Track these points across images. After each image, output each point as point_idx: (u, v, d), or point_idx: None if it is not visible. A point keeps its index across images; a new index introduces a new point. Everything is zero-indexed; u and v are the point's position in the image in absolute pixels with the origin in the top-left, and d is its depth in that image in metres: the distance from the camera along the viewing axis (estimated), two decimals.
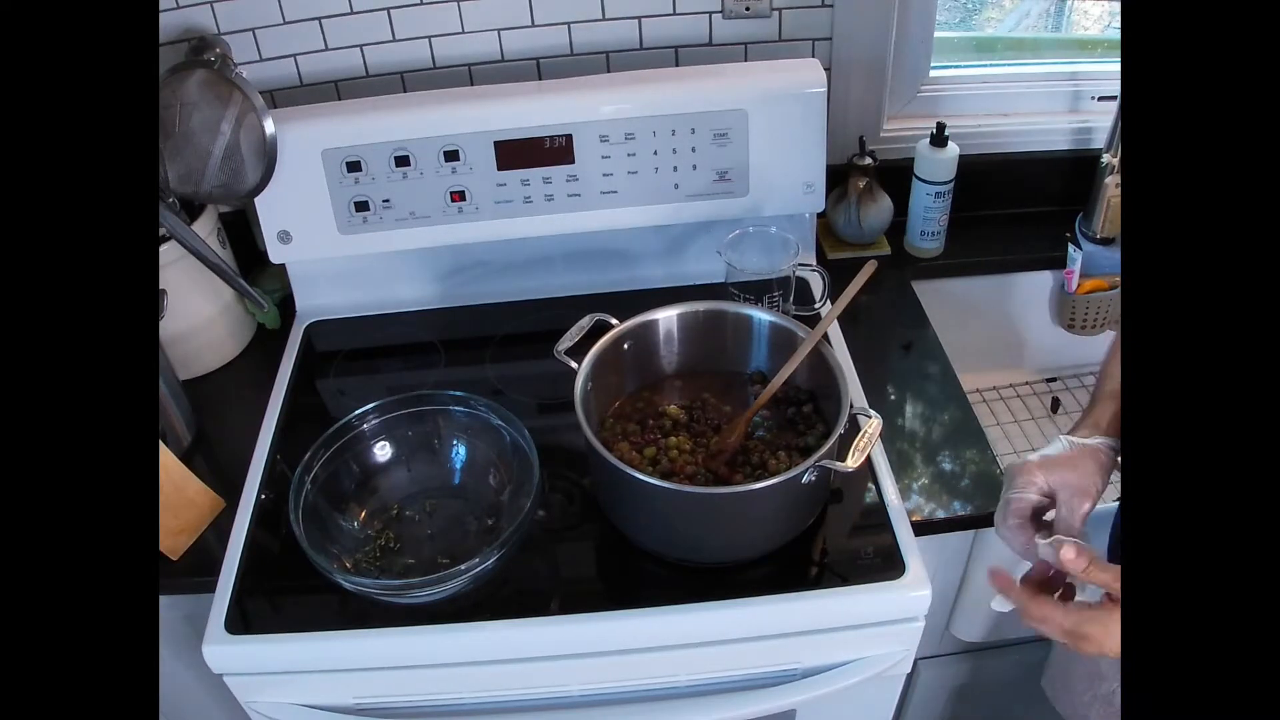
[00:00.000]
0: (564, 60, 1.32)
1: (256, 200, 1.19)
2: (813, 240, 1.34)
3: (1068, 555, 0.71)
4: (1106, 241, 1.33)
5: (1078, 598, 0.78)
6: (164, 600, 1.04)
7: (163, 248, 1.13)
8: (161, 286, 1.08)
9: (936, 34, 1.36)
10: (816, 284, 1.24)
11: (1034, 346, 1.45)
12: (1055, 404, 1.44)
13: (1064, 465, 0.81)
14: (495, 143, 1.18)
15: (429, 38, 1.29)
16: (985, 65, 1.46)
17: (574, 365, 0.97)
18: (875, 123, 1.39)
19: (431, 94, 1.20)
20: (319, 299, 1.32)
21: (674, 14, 1.28)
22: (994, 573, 0.78)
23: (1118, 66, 1.28)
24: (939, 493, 1.04)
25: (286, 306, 1.33)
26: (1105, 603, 0.72)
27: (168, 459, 1.02)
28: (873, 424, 0.89)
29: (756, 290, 1.16)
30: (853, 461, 0.87)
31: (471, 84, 1.32)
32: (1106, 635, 0.70)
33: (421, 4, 1.26)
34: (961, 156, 1.31)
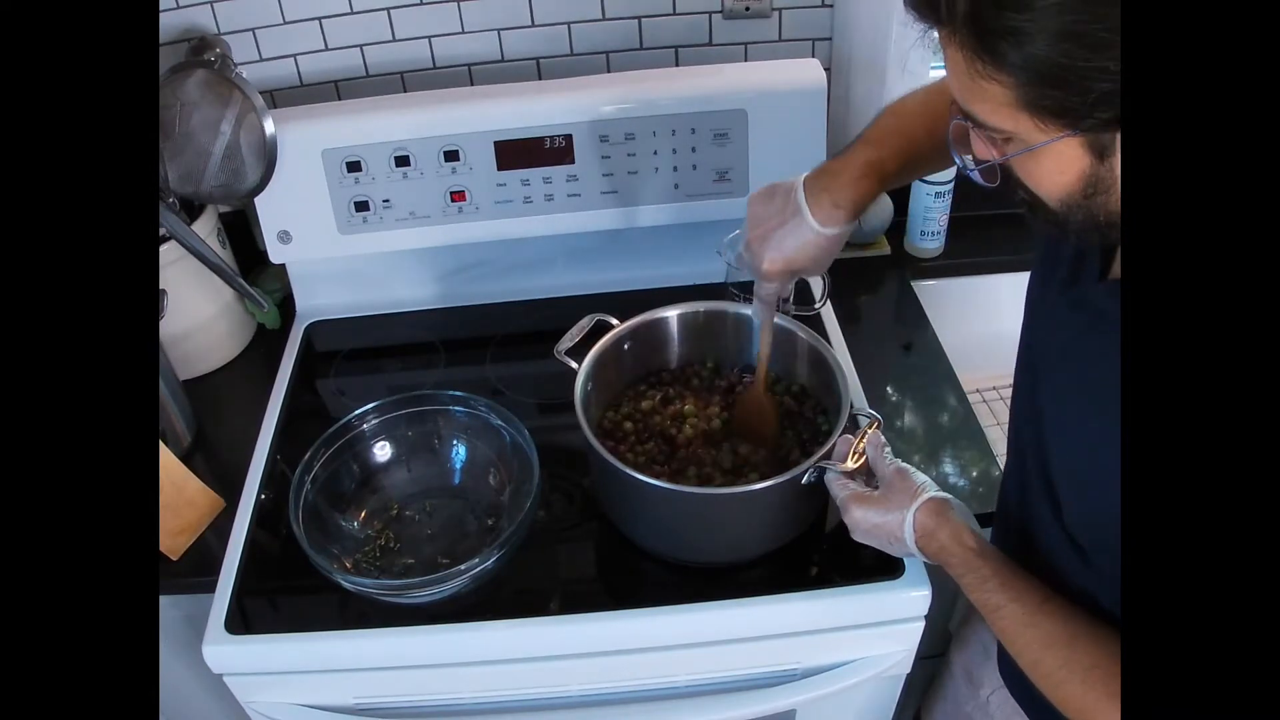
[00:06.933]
0: (564, 60, 1.32)
1: (256, 200, 1.19)
2: None
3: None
4: None
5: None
6: (164, 600, 1.04)
7: (163, 248, 1.13)
8: (161, 286, 1.08)
9: None
10: (816, 284, 1.24)
11: None
12: None
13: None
14: (495, 143, 1.18)
15: (429, 38, 1.29)
16: None
17: (574, 365, 0.97)
18: None
19: (431, 94, 1.20)
20: (319, 299, 1.32)
21: (674, 14, 1.28)
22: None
23: None
24: None
25: (286, 306, 1.33)
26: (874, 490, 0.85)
27: (168, 459, 1.02)
28: (873, 424, 0.89)
29: None
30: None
31: (471, 84, 1.32)
32: (856, 521, 0.84)
33: (421, 4, 1.26)
34: None
